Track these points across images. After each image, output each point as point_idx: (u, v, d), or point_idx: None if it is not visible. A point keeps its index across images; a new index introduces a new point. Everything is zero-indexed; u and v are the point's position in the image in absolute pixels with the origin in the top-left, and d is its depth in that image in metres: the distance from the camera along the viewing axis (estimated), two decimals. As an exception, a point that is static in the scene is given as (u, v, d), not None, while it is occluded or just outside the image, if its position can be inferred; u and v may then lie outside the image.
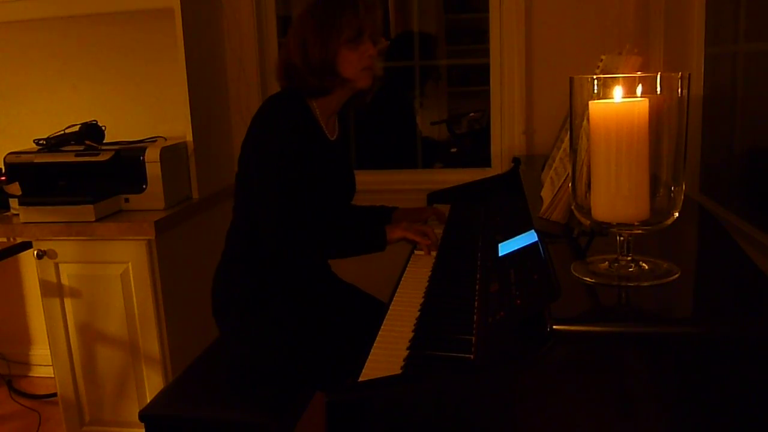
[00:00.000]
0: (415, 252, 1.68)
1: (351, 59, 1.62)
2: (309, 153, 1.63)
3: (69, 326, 2.19)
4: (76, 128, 2.33)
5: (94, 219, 2.09)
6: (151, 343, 2.15)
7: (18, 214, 2.17)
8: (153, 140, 2.36)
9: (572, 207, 1.04)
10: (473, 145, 2.99)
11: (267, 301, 1.66)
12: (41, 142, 2.30)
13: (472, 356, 1.09)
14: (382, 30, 1.70)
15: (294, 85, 1.66)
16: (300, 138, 1.61)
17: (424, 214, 1.96)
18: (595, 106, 0.94)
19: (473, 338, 1.15)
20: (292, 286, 1.71)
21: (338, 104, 1.73)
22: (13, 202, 2.22)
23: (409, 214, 1.95)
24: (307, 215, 1.61)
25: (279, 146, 1.59)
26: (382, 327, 1.26)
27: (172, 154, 2.27)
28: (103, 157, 2.18)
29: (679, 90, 0.93)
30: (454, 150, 3.15)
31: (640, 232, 0.97)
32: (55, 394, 2.30)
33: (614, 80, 0.93)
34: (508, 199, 1.91)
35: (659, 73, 0.93)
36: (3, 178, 2.28)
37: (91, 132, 2.33)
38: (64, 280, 2.17)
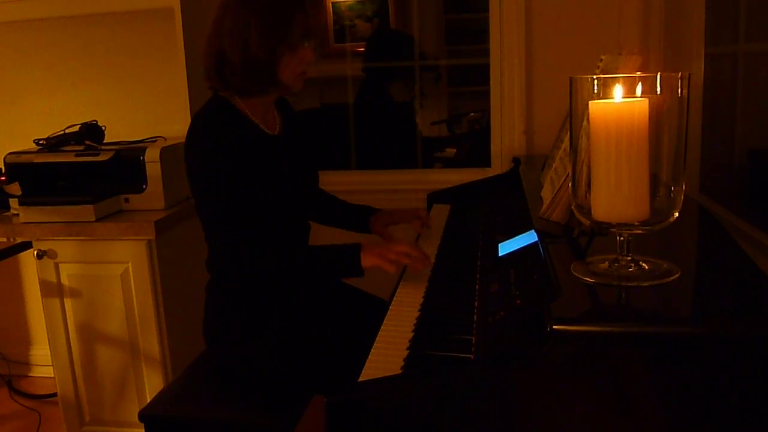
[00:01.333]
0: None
1: (290, 64, 1.54)
2: (247, 155, 1.54)
3: (69, 326, 2.19)
4: (76, 128, 2.33)
5: (94, 219, 2.09)
6: (151, 343, 2.15)
7: (18, 214, 2.17)
8: (153, 140, 2.36)
9: (572, 207, 1.04)
10: (473, 145, 2.99)
11: (264, 321, 1.63)
12: (41, 142, 2.30)
13: (472, 356, 1.09)
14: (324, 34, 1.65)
15: (224, 81, 1.56)
16: (233, 144, 1.52)
17: (404, 217, 1.88)
18: (595, 106, 0.94)
19: (473, 338, 1.15)
20: (288, 301, 1.67)
21: (267, 102, 1.66)
22: (13, 202, 2.22)
23: (389, 217, 1.87)
24: (259, 233, 1.55)
25: (212, 162, 1.51)
26: (382, 327, 1.26)
27: (172, 154, 2.26)
28: (103, 157, 2.18)
29: (679, 90, 0.93)
30: (452, 150, 3.15)
31: (640, 232, 0.97)
32: (55, 394, 2.30)
33: (614, 80, 0.93)
34: (508, 199, 1.91)
35: (659, 73, 0.93)
36: (3, 178, 2.28)
37: (91, 132, 2.33)
38: (64, 280, 2.17)
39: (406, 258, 1.49)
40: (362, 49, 3.12)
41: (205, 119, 1.57)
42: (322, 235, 1.89)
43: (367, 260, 1.49)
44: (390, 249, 1.50)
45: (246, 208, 1.54)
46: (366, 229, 1.89)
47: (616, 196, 0.94)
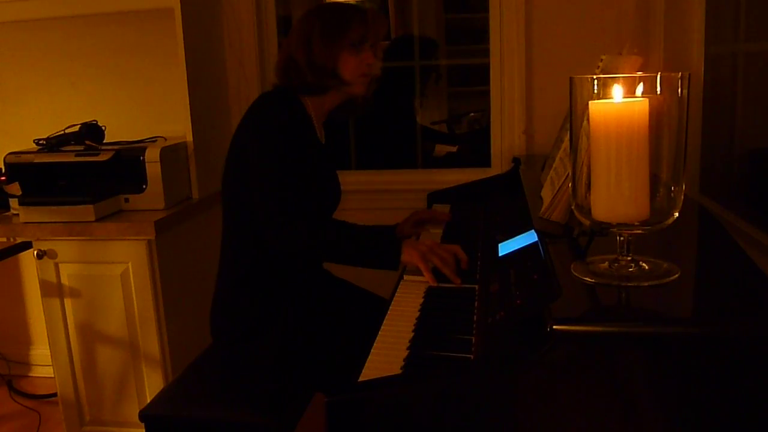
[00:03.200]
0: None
1: (351, 63, 1.65)
2: (302, 151, 1.63)
3: (69, 326, 2.19)
4: (76, 128, 2.33)
5: (94, 219, 2.09)
6: (151, 343, 2.15)
7: (18, 214, 2.17)
8: (153, 140, 2.36)
9: (572, 207, 1.04)
10: (473, 145, 2.99)
11: (269, 319, 1.65)
12: (41, 142, 2.30)
13: (472, 356, 1.09)
14: (382, 43, 1.74)
15: (291, 81, 1.67)
16: (296, 134, 1.62)
17: (435, 216, 1.91)
18: (595, 106, 0.94)
19: (473, 338, 1.15)
20: (294, 298, 1.69)
21: (331, 106, 1.75)
22: (13, 202, 2.22)
23: (417, 215, 1.90)
24: (307, 207, 1.59)
25: (276, 141, 1.59)
26: (382, 327, 1.26)
27: (172, 154, 2.27)
28: (103, 157, 2.18)
29: (679, 90, 0.93)
30: (453, 149, 3.15)
31: (640, 232, 0.97)
32: (55, 394, 2.30)
33: (614, 80, 0.93)
34: (508, 199, 1.91)
35: (659, 73, 0.93)
36: (3, 178, 2.28)
37: (91, 132, 2.33)
38: (64, 280, 2.17)
39: (450, 263, 1.46)
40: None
41: (273, 104, 1.65)
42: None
43: (408, 255, 1.49)
44: (434, 249, 1.48)
45: (295, 183, 1.58)
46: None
47: (616, 196, 0.94)
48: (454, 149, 3.11)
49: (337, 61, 1.64)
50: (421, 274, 1.48)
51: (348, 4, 1.71)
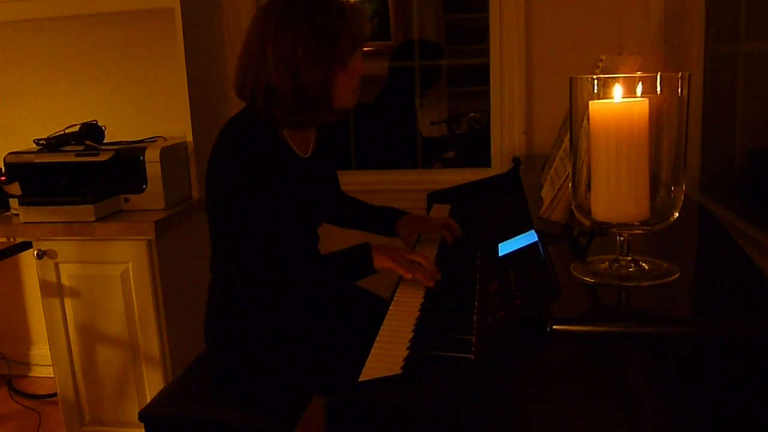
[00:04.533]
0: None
1: (344, 83, 1.44)
2: (276, 177, 1.46)
3: (69, 326, 2.19)
4: (76, 128, 2.33)
5: (94, 219, 2.09)
6: (151, 343, 2.15)
7: (18, 214, 2.17)
8: (153, 140, 2.36)
9: (572, 207, 1.04)
10: (473, 145, 2.99)
11: (264, 322, 1.61)
12: (41, 142, 2.30)
13: (472, 356, 1.09)
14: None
15: (272, 115, 1.45)
16: (267, 165, 1.44)
17: (435, 227, 1.79)
18: (595, 106, 0.94)
19: (473, 338, 1.15)
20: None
21: (312, 129, 1.62)
22: (13, 202, 2.22)
23: (417, 224, 1.81)
24: (277, 256, 1.44)
25: (244, 180, 1.41)
26: (382, 327, 1.26)
27: (172, 154, 2.27)
28: (103, 157, 2.18)
29: (679, 90, 0.93)
30: (451, 154, 3.15)
31: (640, 232, 0.97)
32: (55, 394, 2.30)
33: (614, 80, 0.93)
34: (508, 199, 1.91)
35: (659, 73, 0.93)
36: (3, 178, 2.28)
37: (91, 132, 2.33)
38: (64, 280, 2.17)
39: (417, 269, 1.43)
40: (364, 48, 3.13)
41: (239, 134, 1.46)
42: (333, 241, 1.85)
43: (379, 261, 1.44)
44: (403, 255, 1.46)
45: (264, 227, 1.44)
46: (392, 233, 1.82)
47: (616, 196, 0.94)
48: (451, 155, 3.13)
49: (331, 89, 1.43)
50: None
51: (318, 2, 1.43)
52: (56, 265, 2.16)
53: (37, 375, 2.87)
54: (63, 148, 2.26)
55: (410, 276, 1.43)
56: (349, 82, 1.46)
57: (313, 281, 1.47)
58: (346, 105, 1.51)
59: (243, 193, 1.41)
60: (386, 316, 1.31)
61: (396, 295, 1.43)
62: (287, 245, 1.52)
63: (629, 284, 0.97)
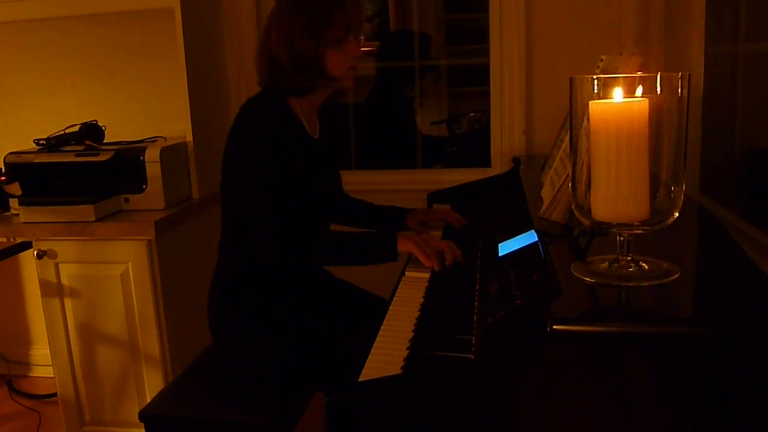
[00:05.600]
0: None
1: (338, 59, 1.61)
2: (294, 153, 1.61)
3: (69, 326, 2.19)
4: (76, 128, 2.33)
5: (94, 219, 2.09)
6: (151, 343, 2.15)
7: (18, 214, 2.17)
8: (153, 140, 2.36)
9: (572, 207, 1.04)
10: (473, 145, 2.99)
11: (267, 316, 1.65)
12: (41, 142, 2.30)
13: (472, 356, 1.09)
14: (363, 28, 1.70)
15: (278, 83, 1.64)
16: (284, 138, 1.59)
17: (434, 215, 1.92)
18: (595, 106, 0.94)
19: (473, 338, 1.15)
20: (291, 295, 1.70)
21: (319, 102, 1.73)
22: (13, 202, 2.22)
23: (422, 213, 1.92)
24: (302, 222, 1.59)
25: (265, 151, 1.56)
26: (382, 327, 1.26)
27: (172, 154, 2.27)
28: (103, 157, 2.18)
29: (679, 90, 0.93)
30: (453, 149, 3.15)
31: (640, 232, 0.97)
32: (55, 394, 2.30)
33: (614, 80, 0.93)
34: (508, 199, 1.91)
35: (659, 73, 0.93)
36: (3, 178, 2.28)
37: (91, 132, 2.34)
38: (64, 280, 2.17)
39: (437, 256, 1.51)
40: (363, 48, 3.12)
41: (258, 110, 1.62)
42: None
43: (403, 245, 1.54)
44: (428, 242, 1.55)
45: (290, 196, 1.58)
46: (401, 227, 1.90)
47: (616, 196, 0.94)
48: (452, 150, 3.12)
49: (323, 59, 1.60)
50: (422, 269, 1.50)
51: None
52: (56, 265, 2.16)
53: (37, 375, 2.88)
54: (63, 148, 2.26)
55: (429, 263, 1.50)
56: (341, 61, 1.62)
57: (338, 247, 1.59)
58: (341, 76, 1.64)
59: (267, 164, 1.55)
60: (386, 316, 1.31)
61: (396, 294, 1.43)
62: (310, 218, 1.64)
63: (629, 284, 0.97)
